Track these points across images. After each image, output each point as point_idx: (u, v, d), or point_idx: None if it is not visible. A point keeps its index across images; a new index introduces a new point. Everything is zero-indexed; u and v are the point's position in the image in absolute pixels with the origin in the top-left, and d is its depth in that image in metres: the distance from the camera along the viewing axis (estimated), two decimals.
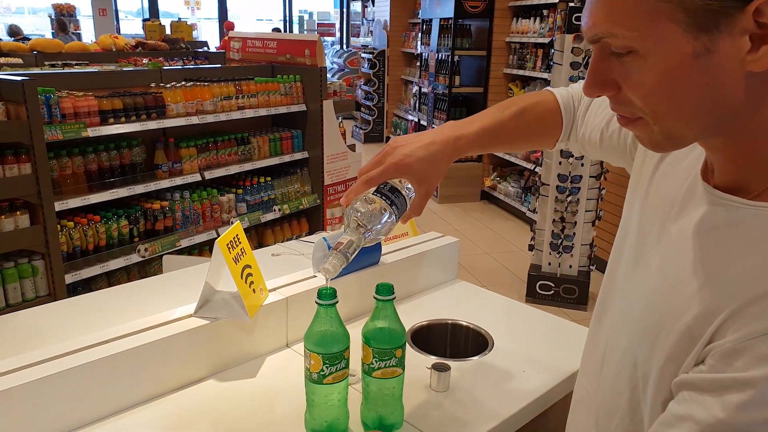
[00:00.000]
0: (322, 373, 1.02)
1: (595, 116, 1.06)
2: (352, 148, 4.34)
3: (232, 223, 1.32)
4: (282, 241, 3.18)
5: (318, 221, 4.26)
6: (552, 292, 4.15)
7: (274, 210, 3.92)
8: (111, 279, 3.28)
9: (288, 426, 1.11)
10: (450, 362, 1.28)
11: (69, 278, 2.98)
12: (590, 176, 3.88)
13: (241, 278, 1.26)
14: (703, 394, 0.66)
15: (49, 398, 1.06)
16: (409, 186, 1.05)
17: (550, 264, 4.16)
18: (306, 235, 3.35)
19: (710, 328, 0.67)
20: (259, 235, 4.02)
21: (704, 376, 0.67)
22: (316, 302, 1.01)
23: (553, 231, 4.07)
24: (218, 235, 1.29)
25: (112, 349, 1.13)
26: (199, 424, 1.12)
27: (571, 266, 4.14)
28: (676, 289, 0.74)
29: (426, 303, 1.63)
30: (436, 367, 1.23)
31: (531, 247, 4.24)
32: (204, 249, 3.59)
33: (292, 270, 1.52)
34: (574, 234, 4.03)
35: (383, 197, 1.02)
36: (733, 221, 0.71)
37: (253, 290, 1.30)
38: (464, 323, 1.49)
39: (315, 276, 1.48)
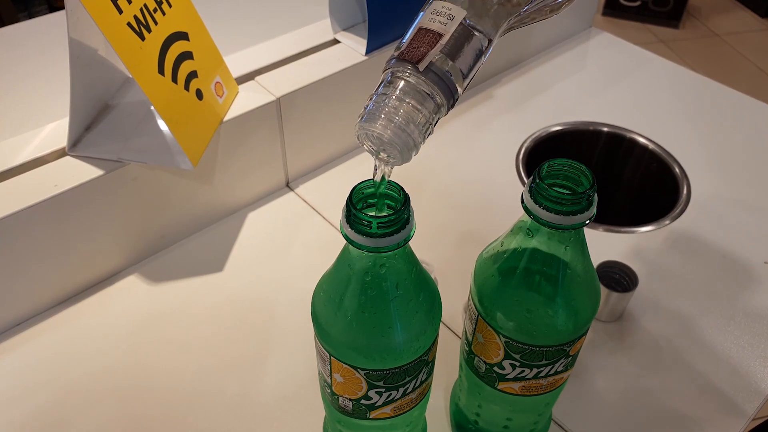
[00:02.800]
0: (366, 402, 0.37)
1: None
2: None
3: None
4: None
5: None
6: (638, 2, 3.23)
7: None
8: None
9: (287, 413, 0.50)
10: (605, 233, 0.62)
11: None
12: None
13: (162, 74, 0.53)
14: None
15: None
16: None
17: None
18: None
19: None
20: None
21: None
22: (345, 236, 0.31)
23: None
24: None
25: None
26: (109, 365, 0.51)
27: None
28: None
29: (547, 78, 0.89)
30: (607, 278, 0.57)
31: None
32: None
33: (283, 25, 0.76)
34: None
35: None
36: None
37: (198, 92, 0.58)
38: (631, 135, 0.78)
39: (336, 41, 0.72)
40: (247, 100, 0.63)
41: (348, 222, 0.31)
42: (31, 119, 0.68)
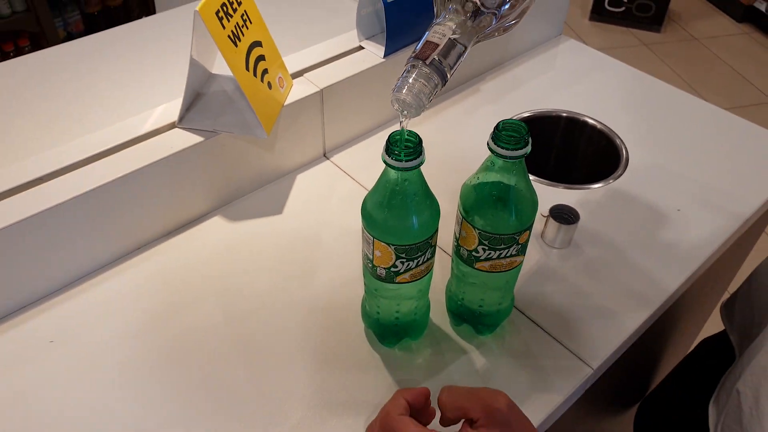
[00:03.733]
0: (393, 269, 0.60)
1: None
2: None
3: None
4: None
5: None
6: (623, 8, 3.47)
7: None
8: None
9: (334, 294, 0.74)
10: (563, 190, 0.85)
11: None
12: None
13: (248, 70, 0.76)
14: None
15: None
16: None
17: None
18: None
19: None
20: None
21: None
22: (384, 162, 0.55)
23: None
24: None
25: (51, 197, 0.71)
26: (199, 286, 0.75)
27: None
28: None
29: (520, 77, 1.12)
30: (557, 216, 0.80)
31: None
32: None
33: (321, 34, 0.99)
34: None
35: None
36: None
37: (269, 84, 0.81)
38: (584, 118, 1.01)
39: (361, 47, 0.96)
40: (299, 91, 0.87)
41: (387, 153, 0.54)
42: (140, 103, 0.91)
